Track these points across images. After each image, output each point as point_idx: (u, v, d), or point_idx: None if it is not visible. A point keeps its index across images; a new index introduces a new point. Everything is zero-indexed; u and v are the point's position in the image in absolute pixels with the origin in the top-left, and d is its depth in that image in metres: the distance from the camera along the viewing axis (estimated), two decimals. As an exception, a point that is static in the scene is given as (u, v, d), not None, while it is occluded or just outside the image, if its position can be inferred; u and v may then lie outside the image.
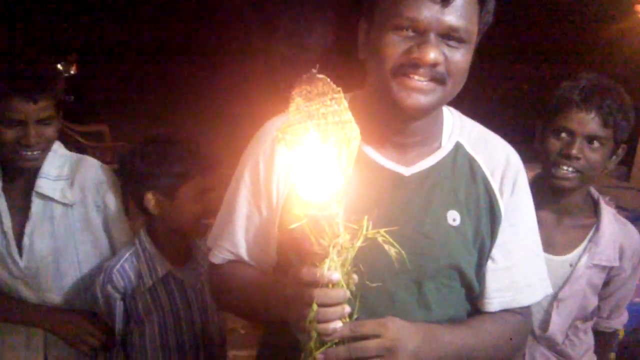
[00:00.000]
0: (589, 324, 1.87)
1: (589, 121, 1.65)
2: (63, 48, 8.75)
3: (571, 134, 1.67)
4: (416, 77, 1.14)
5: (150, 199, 1.76)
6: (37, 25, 8.63)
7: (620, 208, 3.51)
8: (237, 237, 1.33)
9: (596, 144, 1.67)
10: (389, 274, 1.16)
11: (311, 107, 0.93)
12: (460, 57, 1.15)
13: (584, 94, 1.66)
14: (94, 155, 5.93)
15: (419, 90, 1.15)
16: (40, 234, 1.78)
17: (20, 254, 1.78)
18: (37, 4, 8.80)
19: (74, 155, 1.89)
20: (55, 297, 1.82)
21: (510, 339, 1.33)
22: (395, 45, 1.13)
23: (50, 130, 1.71)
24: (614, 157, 1.74)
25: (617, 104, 1.66)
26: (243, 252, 1.34)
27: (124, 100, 8.81)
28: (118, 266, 1.77)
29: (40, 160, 1.75)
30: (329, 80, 0.94)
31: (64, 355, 1.84)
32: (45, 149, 1.75)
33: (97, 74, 9.02)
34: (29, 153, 1.69)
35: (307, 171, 0.94)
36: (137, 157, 1.79)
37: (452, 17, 1.11)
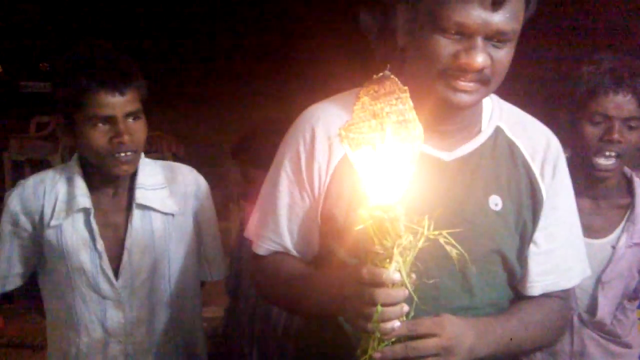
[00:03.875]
0: (637, 303, 1.85)
1: (625, 103, 1.63)
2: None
3: (608, 118, 1.64)
4: (462, 78, 1.13)
5: None
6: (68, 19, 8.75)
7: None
8: (280, 227, 1.33)
9: (633, 125, 1.65)
10: (435, 261, 1.15)
11: (376, 106, 0.92)
12: (505, 55, 1.14)
13: (615, 76, 1.64)
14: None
15: (464, 91, 1.15)
16: (140, 249, 1.66)
17: (116, 273, 1.65)
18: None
19: (162, 163, 1.80)
20: (144, 315, 1.69)
21: (556, 325, 1.34)
22: (442, 48, 1.12)
23: (140, 127, 1.60)
24: None
25: None
26: (287, 242, 1.34)
27: (160, 91, 8.88)
28: None
29: (133, 164, 1.63)
30: (397, 80, 0.94)
31: None
32: (138, 150, 1.62)
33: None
34: (123, 155, 1.58)
35: (373, 172, 0.93)
36: None
37: (501, 20, 1.09)
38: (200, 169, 1.84)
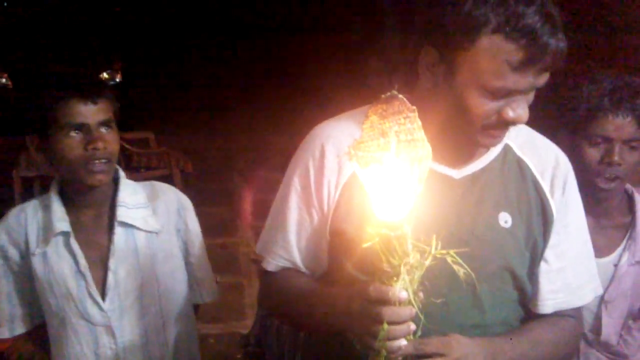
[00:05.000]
0: None
1: (625, 125, 1.62)
2: (108, 56, 8.96)
3: (608, 140, 1.63)
4: (501, 129, 1.16)
5: None
6: (83, 33, 8.86)
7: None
8: (289, 243, 1.34)
9: (634, 145, 1.64)
10: (444, 280, 1.15)
11: (385, 125, 0.93)
12: (532, 96, 1.16)
13: (614, 98, 1.62)
14: (139, 161, 6.04)
15: (498, 137, 1.19)
16: (125, 269, 1.64)
17: (103, 295, 1.63)
18: (81, 12, 9.04)
19: (143, 183, 1.79)
20: (137, 339, 1.66)
21: (568, 345, 1.34)
22: (486, 106, 1.12)
23: (113, 136, 1.60)
24: None
25: None
26: (296, 258, 1.35)
27: (168, 107, 8.96)
28: None
29: (107, 174, 1.61)
30: (405, 99, 0.94)
31: None
32: (111, 160, 1.61)
33: (142, 81, 9.19)
34: (97, 162, 1.56)
35: (380, 190, 0.94)
36: None
37: (543, 79, 1.11)
38: (207, 185, 1.84)
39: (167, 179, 5.69)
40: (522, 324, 1.31)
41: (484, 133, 1.16)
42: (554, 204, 1.28)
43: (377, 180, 0.95)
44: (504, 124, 1.14)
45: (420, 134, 0.94)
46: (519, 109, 1.12)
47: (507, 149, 1.30)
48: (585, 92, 1.67)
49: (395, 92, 0.94)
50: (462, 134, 1.19)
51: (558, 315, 1.32)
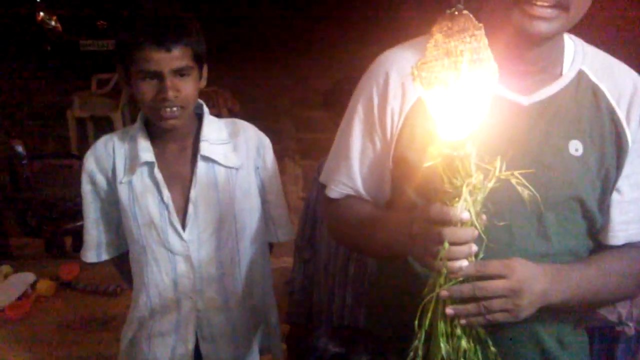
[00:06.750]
0: None
1: None
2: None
3: None
4: (539, 4, 1.09)
5: None
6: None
7: None
8: (353, 171, 1.35)
9: None
10: (508, 204, 1.14)
11: (450, 44, 0.91)
12: None
13: None
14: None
15: (541, 17, 1.11)
16: (205, 201, 1.69)
17: (183, 226, 1.68)
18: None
19: (225, 120, 1.80)
20: (213, 272, 1.72)
21: (637, 276, 1.29)
22: None
23: (188, 84, 1.60)
24: None
25: None
26: (359, 186, 1.35)
27: (215, 48, 8.97)
28: None
29: (180, 119, 1.63)
30: (471, 16, 0.92)
31: (217, 343, 1.77)
32: (185, 106, 1.62)
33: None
34: (168, 110, 1.59)
35: (444, 110, 0.93)
36: None
37: None
38: (255, 125, 1.85)
39: (215, 118, 5.74)
40: (590, 254, 1.29)
41: (519, 11, 1.11)
42: (629, 133, 1.23)
43: (441, 101, 0.94)
44: None
45: (487, 53, 0.92)
46: None
47: (581, 75, 1.24)
48: None
49: (460, 7, 0.91)
50: (505, 22, 1.14)
51: (629, 246, 1.28)
